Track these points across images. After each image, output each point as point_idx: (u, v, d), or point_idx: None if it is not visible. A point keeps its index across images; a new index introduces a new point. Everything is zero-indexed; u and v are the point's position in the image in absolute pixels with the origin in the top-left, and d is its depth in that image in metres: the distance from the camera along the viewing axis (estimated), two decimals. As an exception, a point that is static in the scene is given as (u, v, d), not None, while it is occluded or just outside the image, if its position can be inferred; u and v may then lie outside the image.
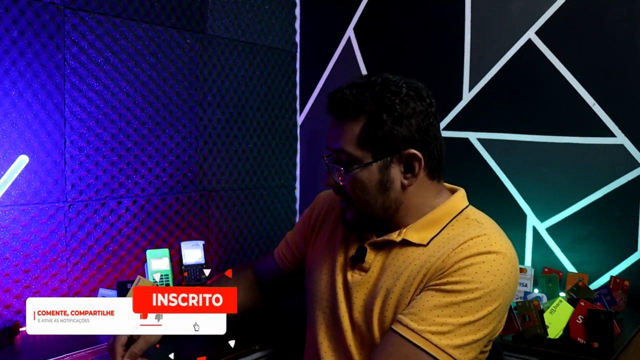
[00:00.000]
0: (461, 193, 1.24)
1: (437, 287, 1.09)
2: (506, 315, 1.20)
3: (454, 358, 1.05)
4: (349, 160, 1.15)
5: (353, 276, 1.22)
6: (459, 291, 1.07)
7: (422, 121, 1.13)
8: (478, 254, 1.09)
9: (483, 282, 1.07)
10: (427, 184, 1.18)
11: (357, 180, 1.15)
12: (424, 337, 1.05)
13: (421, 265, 1.13)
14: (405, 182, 1.16)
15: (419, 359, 1.05)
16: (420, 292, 1.11)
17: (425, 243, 1.15)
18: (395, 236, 1.18)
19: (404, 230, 1.18)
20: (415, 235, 1.17)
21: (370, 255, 1.20)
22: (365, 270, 1.20)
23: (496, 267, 1.08)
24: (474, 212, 1.20)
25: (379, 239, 1.20)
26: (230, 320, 1.94)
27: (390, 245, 1.19)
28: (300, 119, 2.77)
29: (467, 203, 1.23)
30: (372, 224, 1.21)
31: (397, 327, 1.09)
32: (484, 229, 1.14)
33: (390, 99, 1.12)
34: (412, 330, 1.07)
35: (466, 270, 1.08)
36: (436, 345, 1.05)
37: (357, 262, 1.22)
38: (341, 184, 1.18)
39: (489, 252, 1.09)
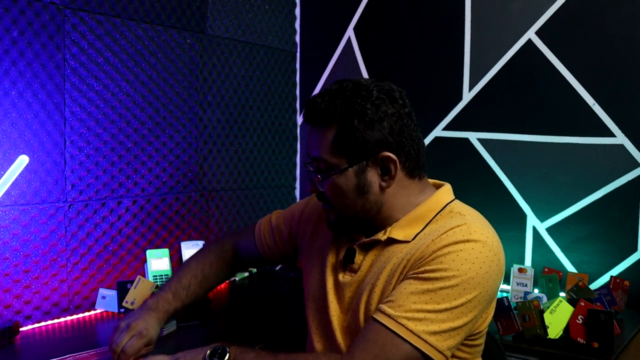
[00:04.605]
0: (446, 188, 1.24)
1: (415, 275, 1.10)
2: (493, 307, 1.20)
3: (429, 344, 1.05)
4: (327, 167, 1.17)
5: (344, 277, 1.23)
6: (436, 278, 1.07)
7: (394, 123, 1.14)
8: (456, 243, 1.09)
9: (461, 269, 1.07)
10: (407, 183, 1.19)
11: (335, 185, 1.17)
12: (399, 323, 1.06)
13: (402, 258, 1.14)
14: (384, 184, 1.17)
15: (395, 345, 1.06)
16: (400, 282, 1.12)
17: (410, 239, 1.16)
18: (381, 235, 1.19)
19: (389, 228, 1.19)
20: (400, 233, 1.18)
21: (359, 257, 1.21)
22: (355, 271, 1.21)
23: (474, 255, 1.08)
24: (458, 206, 1.20)
25: (366, 239, 1.21)
26: (231, 319, 1.94)
27: (378, 245, 1.20)
28: (300, 119, 2.77)
29: (453, 197, 1.23)
30: (357, 225, 1.23)
31: (376, 315, 1.10)
32: (464, 219, 1.14)
33: (361, 104, 1.12)
34: (389, 316, 1.07)
35: (443, 259, 1.08)
36: (412, 331, 1.05)
37: (347, 264, 1.23)
38: (321, 190, 1.19)
39: (467, 241, 1.09)
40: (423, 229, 1.17)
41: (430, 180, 1.26)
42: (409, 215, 1.18)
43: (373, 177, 1.16)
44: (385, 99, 1.14)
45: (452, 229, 1.12)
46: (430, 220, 1.17)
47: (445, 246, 1.09)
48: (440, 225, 1.15)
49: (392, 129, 1.13)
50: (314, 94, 2.75)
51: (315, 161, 1.19)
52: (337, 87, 1.16)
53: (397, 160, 1.14)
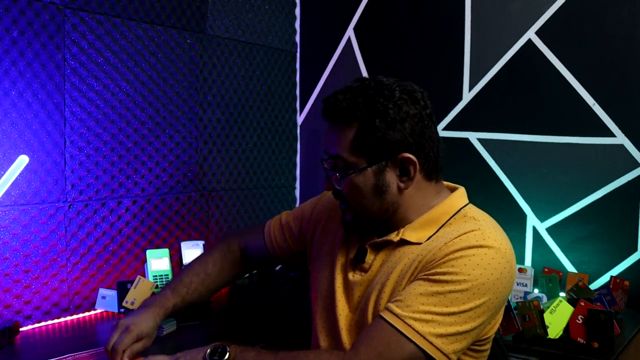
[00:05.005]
0: (460, 192, 1.24)
1: (426, 277, 1.09)
2: (502, 313, 1.20)
3: (435, 346, 1.05)
4: (345, 166, 1.16)
5: (354, 276, 1.22)
6: (446, 281, 1.07)
7: (416, 124, 1.13)
8: (469, 247, 1.09)
9: (472, 274, 1.06)
10: (424, 185, 1.18)
11: (353, 185, 1.16)
12: (406, 323, 1.06)
13: (414, 259, 1.14)
14: (402, 185, 1.16)
15: (400, 344, 1.05)
16: (410, 283, 1.12)
17: (422, 242, 1.16)
18: (393, 236, 1.19)
19: (402, 230, 1.18)
20: (413, 235, 1.17)
21: (370, 256, 1.21)
22: (365, 271, 1.21)
23: (487, 261, 1.07)
24: (472, 210, 1.20)
25: (379, 239, 1.21)
26: (231, 319, 1.94)
27: (390, 245, 1.20)
28: (300, 119, 2.77)
29: (467, 201, 1.23)
30: (372, 225, 1.22)
31: (383, 313, 1.09)
32: (479, 224, 1.14)
33: (383, 104, 1.12)
34: (396, 315, 1.07)
35: (455, 262, 1.08)
36: (417, 332, 1.05)
37: (357, 263, 1.22)
38: (338, 188, 1.19)
39: (481, 246, 1.09)
40: (436, 231, 1.16)
41: (445, 183, 1.25)
42: (422, 217, 1.18)
43: (391, 177, 1.15)
44: (408, 99, 1.13)
45: (465, 233, 1.11)
46: (444, 224, 1.17)
47: (457, 250, 1.09)
48: (454, 228, 1.15)
49: (413, 130, 1.13)
50: (313, 93, 2.77)
51: (333, 159, 1.18)
52: (358, 84, 1.15)
53: (417, 162, 1.14)
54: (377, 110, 1.11)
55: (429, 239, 1.16)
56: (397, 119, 1.12)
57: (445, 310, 1.05)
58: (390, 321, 1.07)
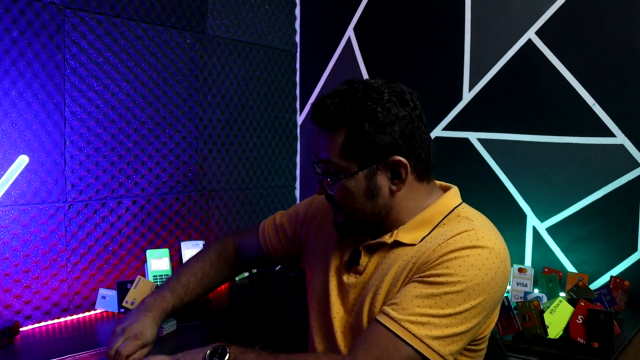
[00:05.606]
0: (453, 191, 1.23)
1: (421, 279, 1.09)
2: (497, 312, 1.20)
3: (432, 349, 1.05)
4: (336, 170, 1.16)
5: (349, 278, 1.22)
6: (441, 283, 1.07)
7: (405, 126, 1.12)
8: (463, 248, 1.09)
9: (466, 275, 1.06)
10: (416, 186, 1.18)
11: (344, 189, 1.16)
12: (402, 326, 1.06)
13: (408, 261, 1.14)
14: (394, 187, 1.16)
15: (397, 348, 1.05)
16: (405, 285, 1.12)
17: (416, 243, 1.16)
18: (387, 238, 1.18)
19: (396, 231, 1.18)
20: (406, 236, 1.17)
21: (364, 258, 1.21)
22: (360, 273, 1.21)
23: (481, 262, 1.07)
24: (466, 210, 1.20)
25: (372, 241, 1.20)
26: (231, 319, 1.94)
27: (383, 247, 1.19)
28: (300, 119, 2.77)
29: (460, 201, 1.22)
30: (365, 227, 1.22)
31: (379, 317, 1.09)
32: (472, 225, 1.13)
33: (372, 107, 1.11)
34: (392, 318, 1.07)
35: (449, 264, 1.08)
36: (414, 335, 1.05)
37: (352, 265, 1.22)
38: (330, 193, 1.19)
39: (475, 247, 1.09)
40: (430, 232, 1.16)
41: (437, 182, 1.25)
42: (415, 218, 1.18)
43: (383, 180, 1.15)
44: (397, 101, 1.12)
45: (459, 234, 1.11)
46: (437, 224, 1.17)
47: (452, 251, 1.09)
48: (447, 229, 1.14)
49: (403, 132, 1.12)
50: (313, 93, 2.76)
51: (323, 163, 1.17)
52: (346, 88, 1.15)
53: (408, 164, 1.13)
54: (365, 114, 1.11)
55: (422, 239, 1.15)
56: (386, 122, 1.11)
57: (441, 312, 1.05)
58: (387, 325, 1.07)
